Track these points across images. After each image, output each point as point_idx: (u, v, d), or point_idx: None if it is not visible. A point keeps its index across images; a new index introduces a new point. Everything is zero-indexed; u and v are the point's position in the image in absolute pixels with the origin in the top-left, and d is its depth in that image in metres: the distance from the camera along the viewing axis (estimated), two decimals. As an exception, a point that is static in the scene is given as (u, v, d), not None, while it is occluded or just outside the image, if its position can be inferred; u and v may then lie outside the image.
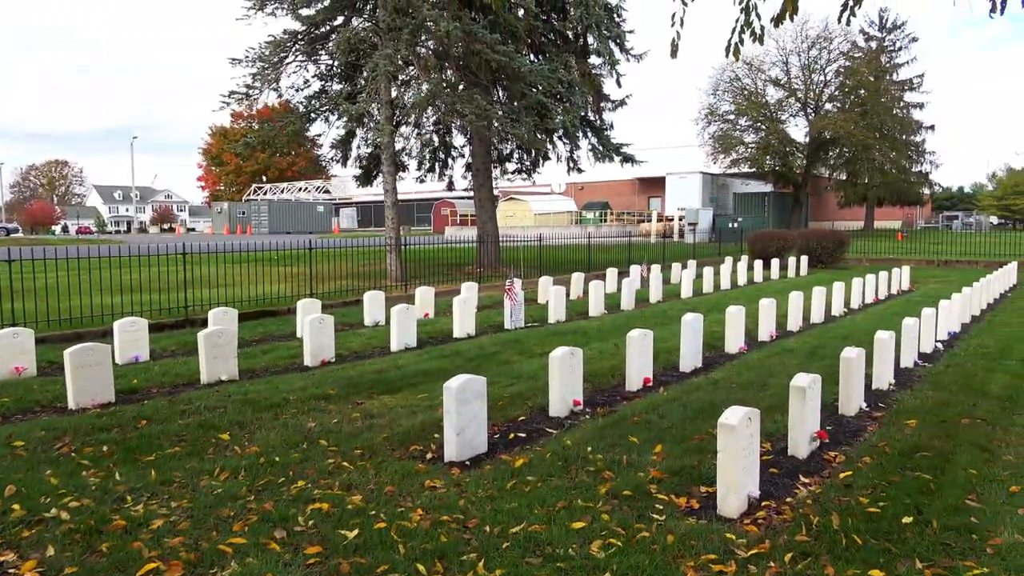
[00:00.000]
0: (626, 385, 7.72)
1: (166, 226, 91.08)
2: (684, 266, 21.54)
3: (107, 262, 14.80)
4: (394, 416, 6.55)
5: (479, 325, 12.15)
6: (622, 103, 21.99)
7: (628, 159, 21.88)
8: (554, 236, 22.89)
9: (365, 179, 22.23)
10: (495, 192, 58.17)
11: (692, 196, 48.97)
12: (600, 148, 21.59)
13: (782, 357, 9.18)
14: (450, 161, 23.98)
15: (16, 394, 7.22)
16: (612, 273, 18.62)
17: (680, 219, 44.78)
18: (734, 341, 9.71)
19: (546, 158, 22.22)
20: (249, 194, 76.77)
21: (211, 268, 16.89)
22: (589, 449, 5.52)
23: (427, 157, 23.59)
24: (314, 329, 9.01)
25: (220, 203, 71.73)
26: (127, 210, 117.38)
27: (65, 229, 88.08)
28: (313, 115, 19.16)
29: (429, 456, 5.59)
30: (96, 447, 5.64)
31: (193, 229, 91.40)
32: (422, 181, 23.75)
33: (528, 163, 23.53)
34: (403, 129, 21.93)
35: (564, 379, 6.58)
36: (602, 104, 21.88)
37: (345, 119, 17.63)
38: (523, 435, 6.11)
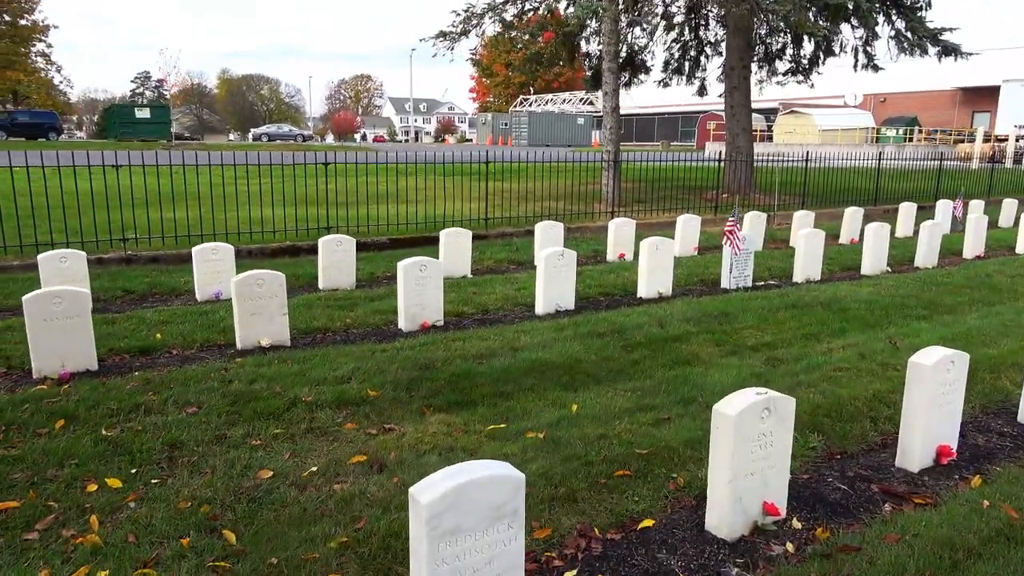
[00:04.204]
0: (897, 455, 3.91)
1: (440, 137, 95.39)
2: None
3: (303, 170, 13.47)
4: (413, 473, 3.59)
5: (685, 278, 8.60)
6: (950, -29, 15.67)
7: (949, 51, 15.72)
8: (833, 156, 17.63)
9: (595, 82, 18.77)
10: (775, 105, 50.69)
11: (1038, 110, 37.84)
12: (908, 36, 15.68)
13: None
14: (703, 60, 19.52)
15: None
16: (907, 210, 13.41)
17: (1018, 139, 34.78)
18: None
19: (828, 52, 16.88)
20: (515, 106, 76.58)
21: (415, 180, 14.99)
22: None
23: (674, 56, 19.42)
24: (410, 280, 6.26)
25: (485, 114, 72.60)
26: (415, 120, 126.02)
27: (364, 137, 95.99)
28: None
29: (395, 619, 2.58)
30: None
31: (470, 140, 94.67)
32: (665, 85, 19.66)
33: (804, 61, 18.27)
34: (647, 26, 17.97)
35: (743, 463, 3.07)
36: (917, -28, 15.79)
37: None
38: (623, 588, 2.81)
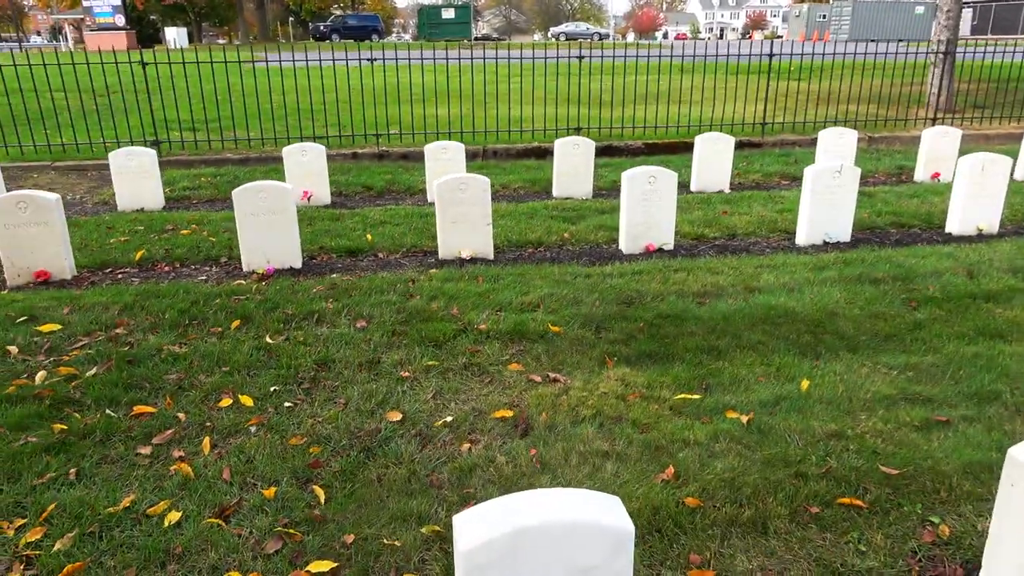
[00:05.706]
0: None
1: (746, 33, 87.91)
2: None
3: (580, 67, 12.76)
4: (557, 448, 2.82)
5: (1021, 213, 6.44)
6: None
7: None
8: None
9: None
10: None
11: None
12: None
13: None
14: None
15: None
16: None
17: None
18: None
19: None
20: (840, -7, 67.06)
21: (690, 79, 13.48)
22: None
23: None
24: (635, 194, 5.28)
25: (800, 6, 64.81)
26: (721, 16, 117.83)
27: (665, 36, 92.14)
28: None
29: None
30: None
31: (780, 36, 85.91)
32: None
33: None
34: None
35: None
36: None
37: None
38: None
